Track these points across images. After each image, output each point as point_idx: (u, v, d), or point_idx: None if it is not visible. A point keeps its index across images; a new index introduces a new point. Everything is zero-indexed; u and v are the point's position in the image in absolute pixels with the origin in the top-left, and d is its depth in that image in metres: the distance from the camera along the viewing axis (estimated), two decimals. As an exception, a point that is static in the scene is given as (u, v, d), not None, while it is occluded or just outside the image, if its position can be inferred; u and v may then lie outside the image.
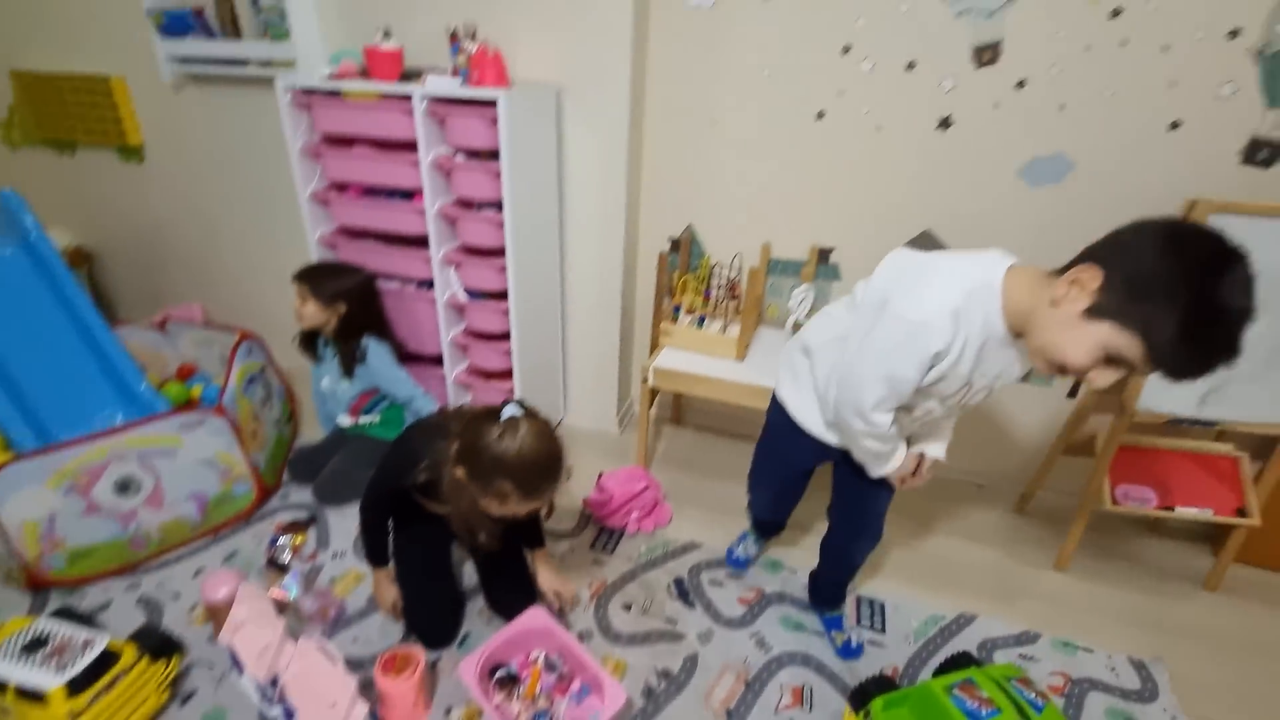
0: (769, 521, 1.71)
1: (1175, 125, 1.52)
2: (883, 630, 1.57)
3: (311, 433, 2.11)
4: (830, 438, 1.26)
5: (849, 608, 1.62)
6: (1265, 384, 1.49)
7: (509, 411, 1.17)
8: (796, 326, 1.80)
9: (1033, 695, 1.22)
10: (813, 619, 1.58)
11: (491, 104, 1.62)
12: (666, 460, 2.16)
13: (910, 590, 1.69)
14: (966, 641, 1.55)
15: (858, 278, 1.86)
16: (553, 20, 1.75)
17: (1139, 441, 1.69)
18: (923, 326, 0.97)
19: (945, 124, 1.67)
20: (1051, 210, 1.68)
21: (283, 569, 1.58)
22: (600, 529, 1.83)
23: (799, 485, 1.52)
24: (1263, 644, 1.60)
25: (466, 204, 1.84)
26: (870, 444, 1.16)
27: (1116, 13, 1.46)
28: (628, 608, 1.59)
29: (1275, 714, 1.43)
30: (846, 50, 1.67)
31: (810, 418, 1.27)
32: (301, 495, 1.88)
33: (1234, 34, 1.42)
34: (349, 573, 1.64)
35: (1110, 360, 0.84)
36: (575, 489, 1.91)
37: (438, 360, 2.08)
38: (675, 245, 2.07)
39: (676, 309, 1.95)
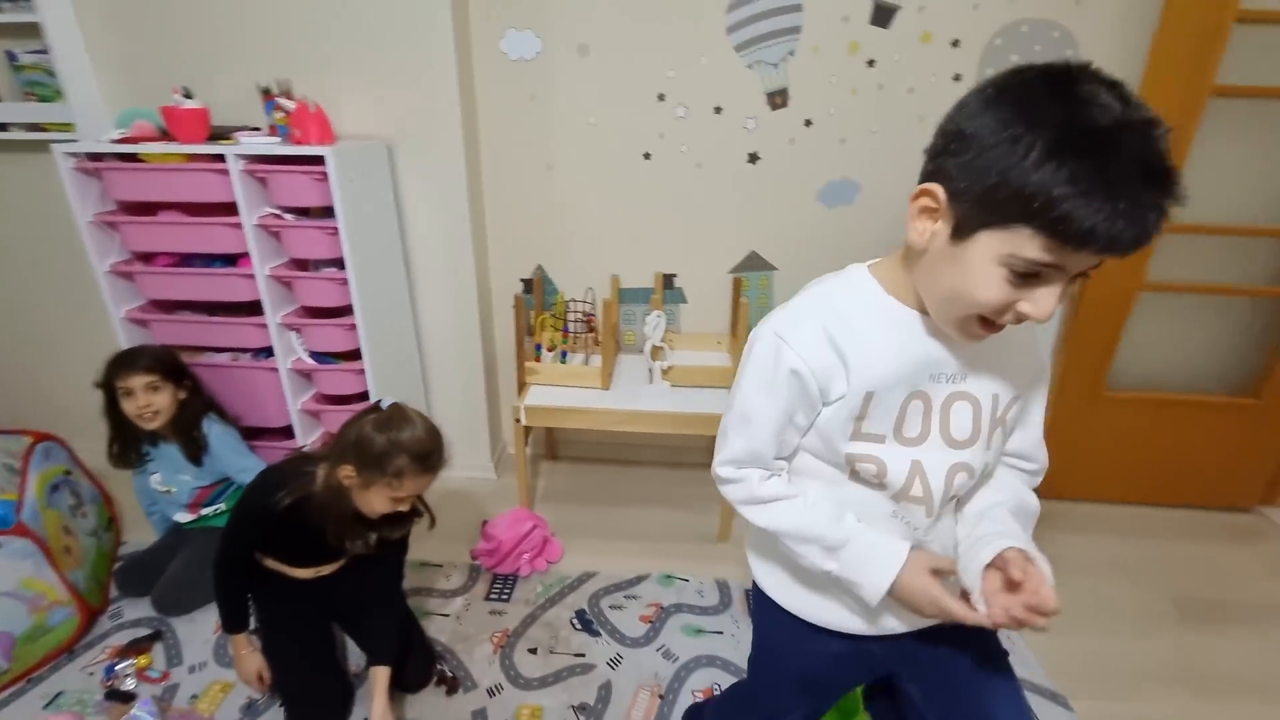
0: None
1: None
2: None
3: (140, 536, 1.84)
4: (857, 622, 0.85)
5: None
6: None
7: (387, 400, 1.23)
8: (654, 352, 1.92)
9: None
10: (711, 620, 1.68)
11: (318, 160, 1.58)
12: (549, 497, 2.18)
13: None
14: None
15: (702, 300, 2.08)
16: (376, 76, 1.75)
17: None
18: (765, 339, 0.77)
19: (754, 158, 1.91)
20: (848, 226, 1.98)
21: (128, 698, 1.37)
22: (493, 579, 1.80)
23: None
24: (1077, 563, 1.95)
25: (302, 264, 1.75)
26: (751, 514, 0.83)
27: (871, 62, 1.78)
28: (534, 651, 1.58)
29: (1115, 634, 1.76)
30: (661, 98, 1.86)
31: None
32: (138, 609, 1.64)
33: (958, 78, 1.79)
34: (212, 686, 1.46)
35: (1022, 275, 0.62)
36: (461, 544, 1.87)
37: (284, 431, 1.93)
38: (529, 286, 2.12)
39: (539, 347, 1.99)
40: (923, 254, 0.69)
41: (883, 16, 1.74)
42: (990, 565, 0.75)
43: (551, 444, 2.37)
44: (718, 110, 1.86)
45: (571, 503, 2.14)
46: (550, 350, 1.98)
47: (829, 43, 1.77)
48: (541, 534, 1.88)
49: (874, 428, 0.76)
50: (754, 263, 2.05)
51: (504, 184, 2.00)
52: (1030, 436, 0.86)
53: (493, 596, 1.74)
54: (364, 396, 1.85)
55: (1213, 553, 1.97)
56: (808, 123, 1.86)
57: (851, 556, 0.76)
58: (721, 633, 1.65)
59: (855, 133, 1.86)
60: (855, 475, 0.79)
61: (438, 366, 2.13)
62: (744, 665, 1.49)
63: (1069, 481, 2.16)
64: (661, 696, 1.48)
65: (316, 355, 1.85)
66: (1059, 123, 0.56)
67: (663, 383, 1.93)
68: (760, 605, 0.95)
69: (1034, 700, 1.46)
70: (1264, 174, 1.82)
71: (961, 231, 0.64)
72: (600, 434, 2.06)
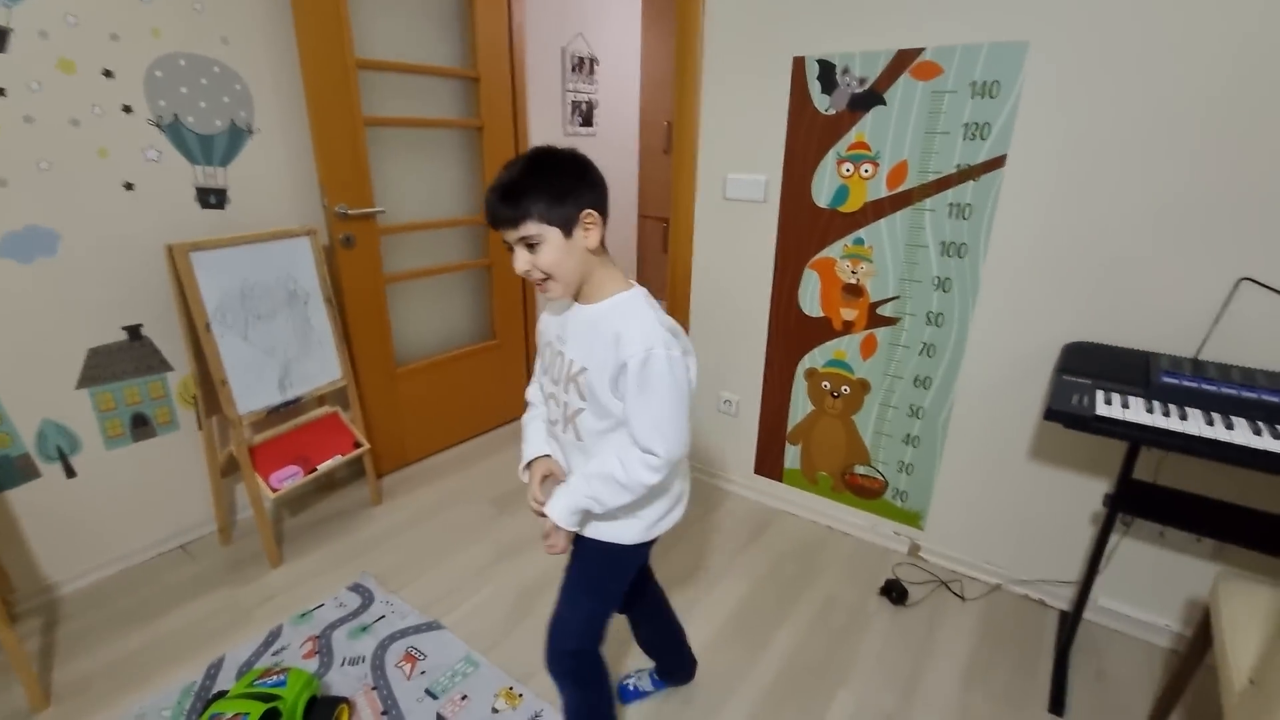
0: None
1: (129, 186, 1.75)
2: (136, 746, 1.43)
3: None
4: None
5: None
6: (309, 363, 2.03)
7: None
8: None
9: (275, 678, 1.40)
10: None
11: None
12: None
13: (150, 688, 1.56)
14: (226, 681, 1.58)
15: None
16: None
17: (269, 435, 2.02)
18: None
19: None
20: (62, 278, 1.68)
21: None
22: None
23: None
24: (423, 511, 2.30)
25: None
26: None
27: (1, 92, 1.51)
28: None
29: (449, 553, 2.11)
30: None
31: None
32: None
33: (129, 109, 1.70)
34: None
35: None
36: None
37: None
38: None
39: None
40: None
41: (-11, 38, 1.48)
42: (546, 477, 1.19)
43: None
44: None
45: None
46: None
47: (-86, 65, 1.40)
48: None
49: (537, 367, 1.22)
50: (-72, 352, 1.52)
51: None
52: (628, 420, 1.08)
53: None
54: None
55: (506, 457, 2.69)
56: (-72, 165, 1.45)
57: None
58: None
59: (16, 171, 1.56)
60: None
61: None
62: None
63: (402, 449, 2.53)
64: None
65: None
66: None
67: None
68: (613, 556, 1.19)
69: (420, 638, 1.71)
70: (430, 180, 2.46)
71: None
72: None
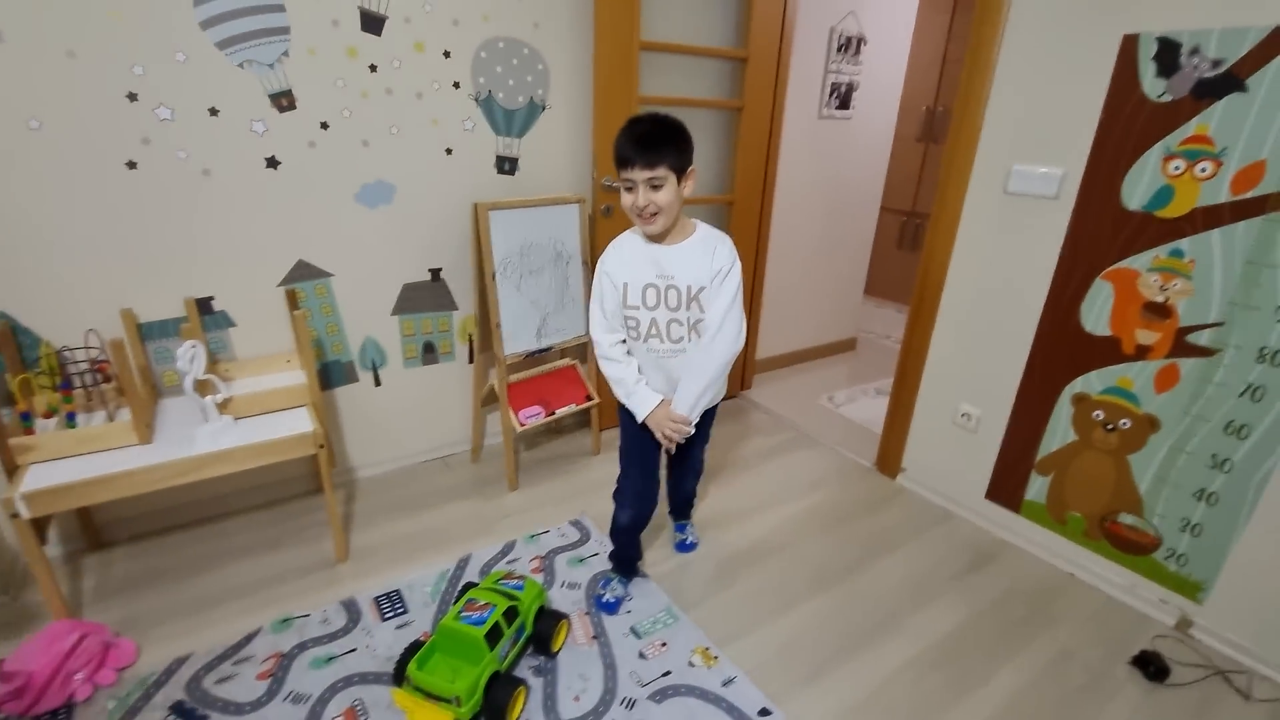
0: (634, 536, 1.77)
1: (449, 151, 2.07)
2: (405, 611, 1.74)
3: None
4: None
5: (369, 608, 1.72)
6: (561, 317, 2.26)
7: None
8: (201, 387, 1.70)
9: (515, 582, 1.61)
10: (341, 643, 1.62)
11: None
12: (105, 594, 1.74)
13: (416, 566, 1.90)
14: (471, 574, 1.87)
15: (252, 321, 1.92)
16: None
17: (520, 378, 2.30)
18: (602, 256, 1.55)
19: (273, 163, 1.82)
20: (394, 225, 2.06)
21: None
22: (31, 724, 1.39)
23: (656, 456, 1.66)
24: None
25: None
26: (609, 370, 1.54)
27: (374, 67, 1.87)
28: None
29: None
30: (134, 98, 1.60)
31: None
32: None
33: (457, 85, 2.01)
34: None
35: (626, 190, 1.38)
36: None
37: None
38: (-12, 344, 1.62)
39: (25, 416, 1.55)
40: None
41: (373, 24, 1.83)
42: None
43: (91, 528, 1.89)
44: (214, 112, 1.70)
45: (141, 588, 1.76)
46: (48, 416, 1.57)
47: (325, 46, 1.78)
48: (98, 641, 1.52)
49: (633, 301, 1.49)
50: (305, 271, 1.96)
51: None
52: (710, 315, 1.47)
53: (35, 744, 1.35)
54: None
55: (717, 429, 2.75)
56: (324, 125, 1.85)
57: (635, 399, 1.54)
58: (355, 649, 1.60)
59: (376, 135, 1.93)
60: (629, 332, 1.52)
61: None
62: (385, 670, 1.54)
63: (626, 408, 2.70)
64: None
65: None
66: (621, 129, 1.37)
67: (224, 418, 1.72)
68: (625, 414, 1.62)
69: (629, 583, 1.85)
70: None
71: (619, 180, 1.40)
72: (162, 496, 1.73)
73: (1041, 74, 1.78)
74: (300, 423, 1.77)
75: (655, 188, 1.33)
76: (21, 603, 1.70)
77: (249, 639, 1.62)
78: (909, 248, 4.51)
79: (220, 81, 1.68)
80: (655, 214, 1.35)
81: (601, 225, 2.33)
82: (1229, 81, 1.47)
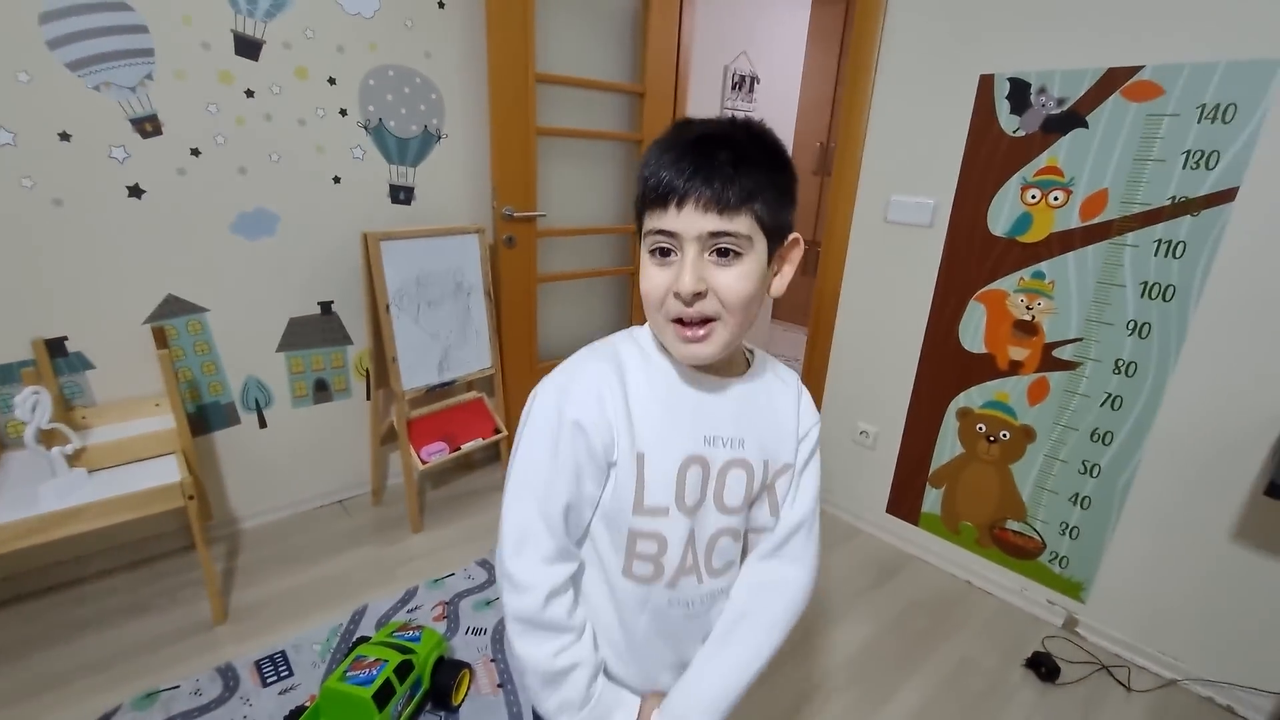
0: None
1: (337, 179, 1.98)
2: (290, 674, 1.59)
3: None
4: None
5: (248, 671, 1.56)
6: (465, 350, 2.19)
7: None
8: (48, 438, 1.52)
9: (411, 633, 1.51)
10: (217, 714, 1.46)
11: None
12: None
13: (305, 623, 1.75)
14: (367, 628, 1.74)
15: (113, 363, 1.75)
16: None
17: (423, 413, 2.20)
18: (545, 391, 0.71)
19: (136, 192, 1.68)
20: (278, 255, 1.94)
21: None
22: None
23: None
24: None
25: None
26: (533, 649, 0.70)
27: (250, 93, 1.77)
28: None
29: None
30: (-35, 121, 1.45)
31: None
32: None
33: (344, 112, 1.94)
34: None
35: (661, 253, 0.67)
36: None
37: None
38: None
39: None
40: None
41: (249, 49, 1.74)
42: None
43: (-93, 613, 1.63)
44: (65, 137, 1.56)
45: (-30, 675, 1.53)
46: None
47: (195, 69, 1.68)
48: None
49: (656, 498, 0.70)
50: (175, 307, 1.81)
51: None
52: (794, 515, 0.79)
53: None
54: None
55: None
56: (195, 151, 1.73)
57: (587, 715, 0.73)
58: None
59: (254, 162, 1.83)
60: (631, 565, 0.73)
61: None
62: None
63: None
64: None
65: None
66: (663, 135, 0.67)
67: (75, 471, 1.54)
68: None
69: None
70: (588, 189, 2.57)
71: (640, 237, 0.69)
72: (6, 562, 1.51)
73: (912, 111, 1.91)
74: (167, 472, 1.62)
75: (723, 255, 0.63)
76: None
77: (103, 721, 1.44)
78: (811, 274, 4.71)
79: (72, 105, 1.55)
80: (714, 319, 0.65)
81: (504, 255, 2.29)
82: (1072, 118, 1.62)
